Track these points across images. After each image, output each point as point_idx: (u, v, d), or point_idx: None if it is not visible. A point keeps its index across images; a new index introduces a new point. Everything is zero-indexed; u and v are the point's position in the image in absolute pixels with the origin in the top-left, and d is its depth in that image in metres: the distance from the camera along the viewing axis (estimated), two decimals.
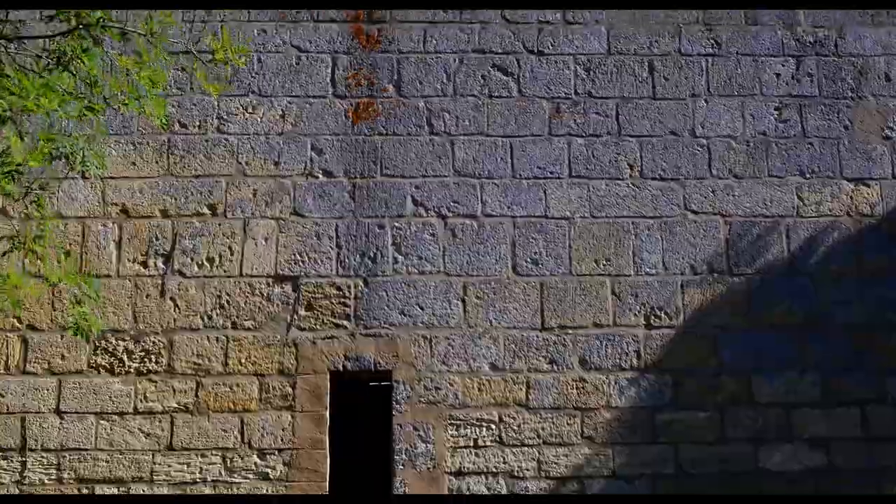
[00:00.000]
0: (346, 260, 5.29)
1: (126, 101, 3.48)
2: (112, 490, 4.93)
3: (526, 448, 5.10)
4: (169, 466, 4.98)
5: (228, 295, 5.21)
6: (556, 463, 5.10)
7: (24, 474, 4.91)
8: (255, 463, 5.00)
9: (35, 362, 5.09)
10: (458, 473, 5.06)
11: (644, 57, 5.63)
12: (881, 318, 5.33)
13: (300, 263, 5.28)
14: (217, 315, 5.19)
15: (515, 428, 5.13)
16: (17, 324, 5.07)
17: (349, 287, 5.25)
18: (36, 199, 3.60)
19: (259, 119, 5.43)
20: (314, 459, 5.02)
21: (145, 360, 5.12)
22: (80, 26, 3.25)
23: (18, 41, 3.53)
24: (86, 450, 4.97)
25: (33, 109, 2.98)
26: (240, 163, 5.38)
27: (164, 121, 3.69)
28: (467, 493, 5.02)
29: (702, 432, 5.16)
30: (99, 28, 3.25)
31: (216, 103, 5.41)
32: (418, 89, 5.51)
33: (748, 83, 5.63)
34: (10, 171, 3.18)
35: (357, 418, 5.96)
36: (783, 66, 5.67)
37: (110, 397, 5.05)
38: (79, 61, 3.25)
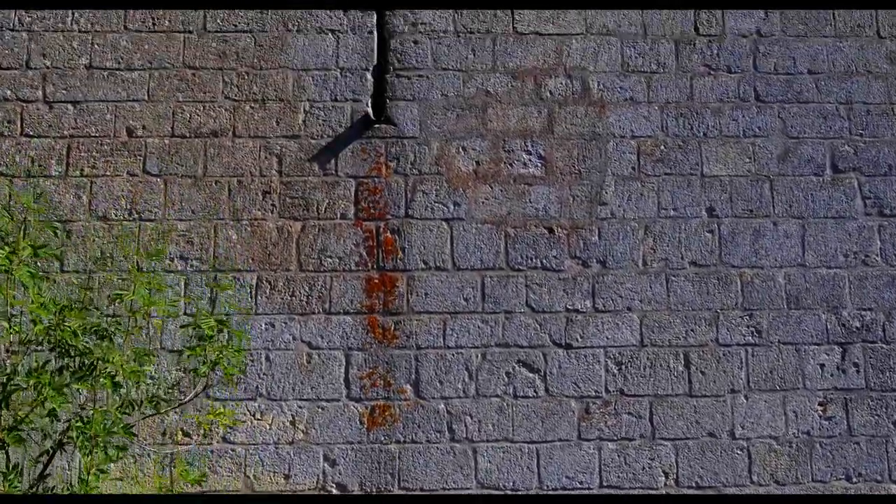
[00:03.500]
0: None
1: None
2: None
3: None
4: None
5: None
6: None
7: None
8: None
9: None
10: None
11: (679, 348, 5.33)
12: None
13: None
14: None
15: None
16: None
17: None
18: None
19: (268, 426, 5.14)
20: None
21: None
22: None
23: None
24: None
25: None
26: (248, 476, 5.09)
27: None
28: None
29: None
30: None
31: (222, 409, 5.10)
32: (438, 389, 5.22)
33: (790, 376, 5.34)
34: None
35: None
36: (827, 355, 5.37)
37: None
38: None
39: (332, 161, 5.46)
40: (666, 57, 5.69)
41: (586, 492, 5.16)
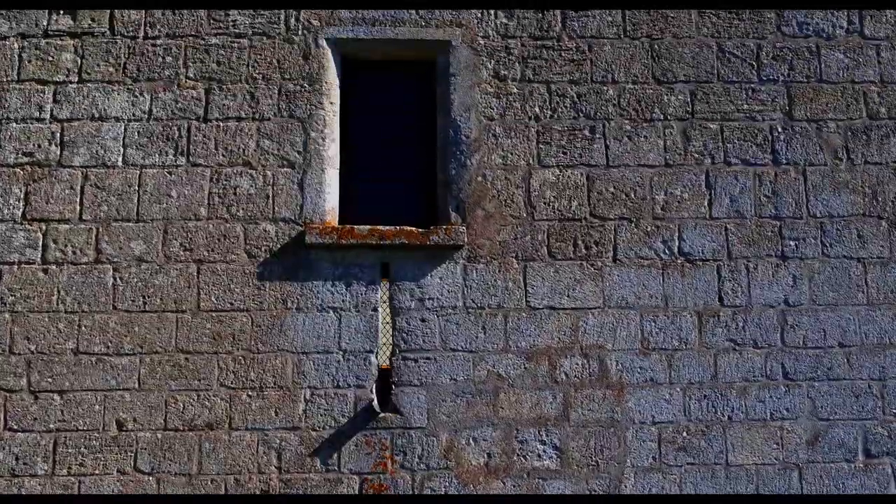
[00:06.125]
0: None
1: None
2: None
3: None
4: None
5: None
6: None
7: None
8: None
9: None
10: None
11: None
12: None
13: None
14: None
15: None
16: None
17: None
18: None
19: None
20: None
21: None
22: None
23: None
24: None
25: None
26: None
27: None
28: None
29: None
30: None
31: None
32: None
33: None
34: None
35: None
36: None
37: None
38: None
39: (335, 455, 5.20)
40: (688, 332, 5.41)
41: None
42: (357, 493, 5.16)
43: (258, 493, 5.13)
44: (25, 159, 5.43)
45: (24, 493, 5.08)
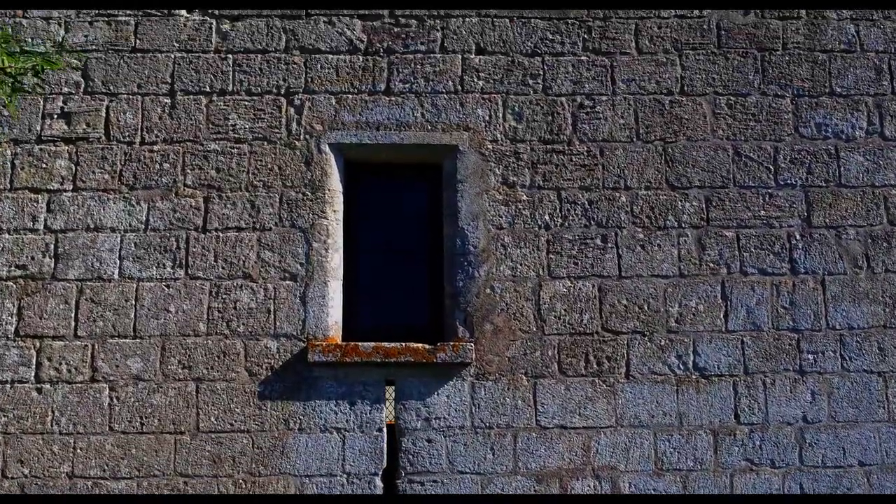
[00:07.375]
0: None
1: None
2: None
3: None
4: None
5: None
6: None
7: None
8: None
9: None
10: None
11: None
12: None
13: None
14: None
15: None
16: None
17: None
18: None
19: None
20: None
21: None
22: None
23: None
24: None
25: None
26: None
27: None
28: None
29: None
30: None
31: None
32: None
33: None
34: None
35: None
36: None
37: None
38: None
39: None
40: (704, 451, 5.24)
41: None
42: None
43: None
44: (18, 272, 5.26)
45: None
